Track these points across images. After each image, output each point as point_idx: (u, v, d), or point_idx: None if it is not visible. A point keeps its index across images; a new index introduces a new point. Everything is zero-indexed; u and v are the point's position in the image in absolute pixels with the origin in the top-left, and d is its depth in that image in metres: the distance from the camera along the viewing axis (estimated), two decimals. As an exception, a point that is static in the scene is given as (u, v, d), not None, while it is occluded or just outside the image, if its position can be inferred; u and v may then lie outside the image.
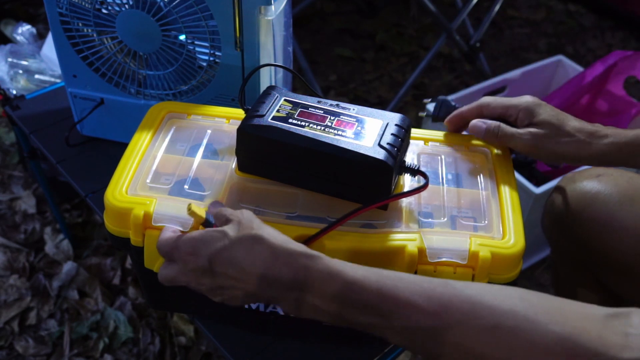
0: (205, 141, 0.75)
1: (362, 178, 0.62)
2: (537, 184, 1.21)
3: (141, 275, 0.68)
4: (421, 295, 0.48)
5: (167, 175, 0.70)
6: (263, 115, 0.65)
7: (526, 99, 0.71)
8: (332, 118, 0.66)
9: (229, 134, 0.74)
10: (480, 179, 0.72)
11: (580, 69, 1.53)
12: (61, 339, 1.18)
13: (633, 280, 0.75)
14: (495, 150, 0.74)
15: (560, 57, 1.59)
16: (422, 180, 0.64)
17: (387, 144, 0.62)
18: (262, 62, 0.83)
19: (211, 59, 0.82)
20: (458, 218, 0.67)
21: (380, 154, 0.61)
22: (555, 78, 1.62)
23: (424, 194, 0.68)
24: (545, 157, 0.72)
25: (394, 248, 0.60)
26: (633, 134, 0.68)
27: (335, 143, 0.62)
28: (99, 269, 1.30)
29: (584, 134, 0.68)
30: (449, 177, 0.73)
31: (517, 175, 1.13)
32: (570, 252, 0.84)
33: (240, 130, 0.65)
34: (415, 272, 0.61)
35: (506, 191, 0.68)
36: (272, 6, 0.77)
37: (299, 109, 0.67)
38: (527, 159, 1.35)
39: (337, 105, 0.68)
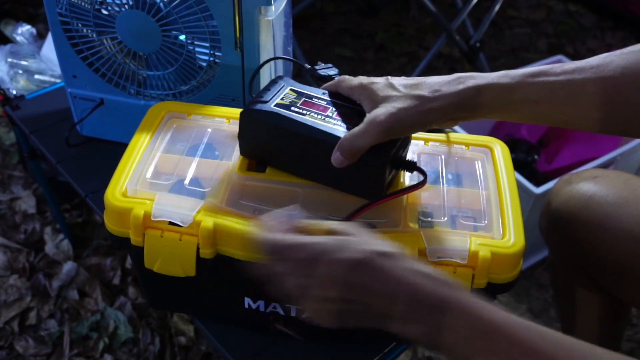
0: (205, 141, 0.75)
1: (355, 168, 0.63)
2: (537, 184, 1.21)
3: (141, 275, 0.68)
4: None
5: (167, 174, 0.70)
6: (267, 102, 0.66)
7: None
8: (334, 109, 0.66)
9: (229, 134, 0.74)
10: (480, 178, 0.72)
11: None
12: (61, 339, 1.18)
13: (629, 282, 0.76)
14: (496, 150, 0.74)
15: (560, 57, 1.59)
16: (421, 177, 0.64)
17: None
18: (262, 62, 0.83)
19: (211, 59, 0.82)
20: (458, 218, 0.67)
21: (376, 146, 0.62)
22: (555, 78, 1.62)
23: (424, 193, 0.68)
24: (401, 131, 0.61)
25: (394, 248, 0.60)
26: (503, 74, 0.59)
27: (332, 132, 0.63)
28: (99, 269, 1.30)
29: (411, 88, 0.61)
30: (449, 177, 0.73)
31: (517, 175, 1.13)
32: (567, 254, 0.84)
33: (242, 114, 0.66)
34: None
35: (506, 191, 0.68)
36: (272, 6, 0.77)
37: (303, 99, 0.67)
38: (527, 158, 1.35)
39: (344, 98, 0.68)
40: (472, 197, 0.68)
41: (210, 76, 0.84)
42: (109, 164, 0.69)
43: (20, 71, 1.30)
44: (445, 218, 0.66)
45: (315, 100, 0.67)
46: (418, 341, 0.48)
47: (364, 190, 0.65)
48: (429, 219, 0.67)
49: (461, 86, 0.58)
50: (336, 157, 0.61)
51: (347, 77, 0.67)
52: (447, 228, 0.66)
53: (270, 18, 0.78)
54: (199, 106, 0.77)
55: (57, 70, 1.30)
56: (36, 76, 1.30)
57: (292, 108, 0.65)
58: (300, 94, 0.68)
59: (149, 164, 0.69)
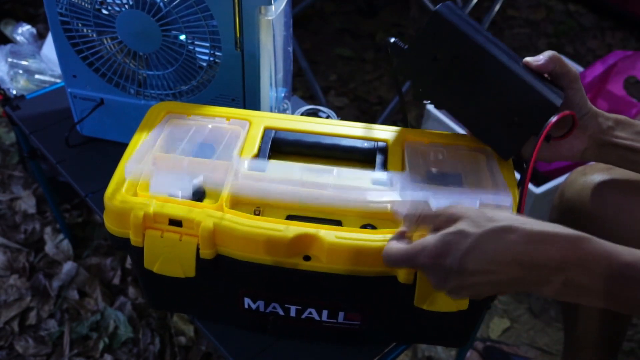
0: (205, 141, 0.75)
1: (525, 112, 0.64)
2: (537, 184, 1.21)
3: (141, 275, 0.68)
4: None
5: (167, 175, 0.71)
6: (458, 13, 0.64)
7: None
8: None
9: (229, 134, 0.74)
10: (481, 179, 0.72)
11: (580, 69, 1.53)
12: (61, 339, 1.18)
13: None
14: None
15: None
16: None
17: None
18: (262, 62, 0.84)
19: (211, 59, 0.82)
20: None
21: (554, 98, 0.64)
22: (555, 78, 1.62)
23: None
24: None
25: (394, 248, 0.60)
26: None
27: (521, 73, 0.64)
28: (99, 269, 1.30)
29: None
30: (449, 177, 0.73)
31: (517, 176, 1.13)
32: None
33: (435, 13, 0.63)
34: (415, 273, 0.61)
35: (506, 191, 0.67)
36: (272, 6, 0.77)
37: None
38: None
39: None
40: (472, 197, 0.68)
41: (210, 76, 0.84)
42: (109, 164, 0.70)
43: (20, 71, 1.30)
44: (445, 218, 0.66)
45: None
46: (556, 297, 0.51)
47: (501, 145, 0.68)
48: (429, 219, 0.67)
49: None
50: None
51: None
52: (447, 228, 0.66)
53: (270, 18, 0.78)
54: (199, 106, 0.77)
55: (57, 70, 1.29)
56: (36, 76, 1.30)
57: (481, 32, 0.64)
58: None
59: (149, 164, 0.69)
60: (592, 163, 0.86)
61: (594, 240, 0.50)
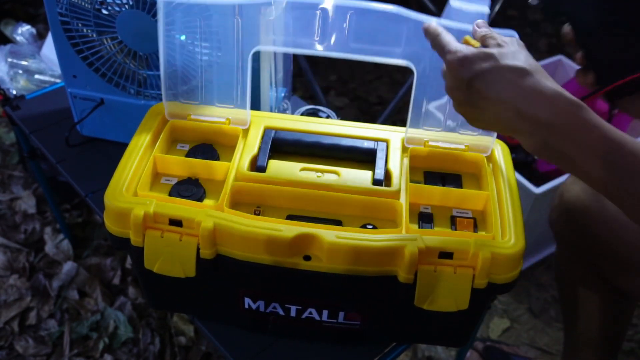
0: (205, 141, 0.75)
1: None
2: (537, 184, 1.21)
3: (141, 275, 0.68)
4: None
5: (167, 175, 0.71)
6: None
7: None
8: None
9: (229, 135, 0.74)
10: (481, 178, 0.72)
11: (580, 69, 1.53)
12: (61, 339, 1.18)
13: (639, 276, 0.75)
14: (496, 150, 0.74)
15: (560, 57, 1.59)
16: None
17: None
18: (262, 62, 0.83)
19: (211, 59, 0.82)
20: (458, 218, 0.67)
21: None
22: (555, 78, 1.60)
23: (424, 193, 0.68)
24: None
25: (394, 248, 0.60)
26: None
27: None
28: (99, 269, 1.30)
29: None
30: (449, 177, 0.73)
31: (517, 175, 1.13)
32: (577, 246, 0.84)
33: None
34: (415, 273, 0.61)
35: (506, 191, 0.68)
36: (272, 6, 0.77)
37: None
38: (527, 158, 1.35)
39: None
40: (472, 197, 0.68)
41: (210, 76, 0.84)
42: (109, 164, 0.70)
43: (20, 71, 1.30)
44: (446, 218, 0.66)
45: None
46: (534, 152, 0.54)
47: None
48: (429, 219, 0.67)
49: None
50: None
51: None
52: (447, 228, 0.66)
53: (270, 18, 0.78)
54: (199, 106, 0.77)
55: (57, 70, 1.29)
56: (36, 76, 1.30)
57: None
58: None
59: (149, 164, 0.69)
60: None
61: (588, 112, 0.51)
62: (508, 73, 0.53)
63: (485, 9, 0.65)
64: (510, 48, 0.55)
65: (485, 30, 0.59)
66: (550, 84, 0.53)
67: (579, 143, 0.50)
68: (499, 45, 0.56)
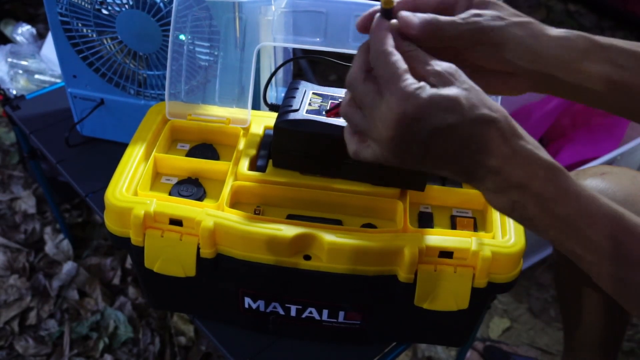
0: (205, 141, 0.75)
1: None
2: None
3: (141, 275, 0.68)
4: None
5: (167, 175, 0.71)
6: (297, 110, 0.65)
7: None
8: None
9: (229, 134, 0.74)
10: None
11: (580, 69, 1.53)
12: (61, 339, 1.18)
13: None
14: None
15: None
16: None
17: None
18: (262, 62, 0.83)
19: (211, 59, 0.82)
20: (458, 217, 0.67)
21: None
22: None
23: (424, 193, 0.68)
24: (493, 49, 0.51)
25: (394, 248, 0.60)
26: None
27: None
28: (99, 269, 1.30)
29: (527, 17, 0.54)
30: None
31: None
32: None
33: (277, 127, 0.65)
34: (416, 272, 0.61)
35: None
36: (272, 6, 0.77)
37: (329, 101, 0.67)
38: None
39: None
40: (472, 197, 0.68)
41: (210, 76, 0.84)
42: (109, 164, 0.70)
43: (20, 71, 1.30)
44: (446, 218, 0.66)
45: (341, 100, 0.67)
46: (503, 213, 0.47)
47: (404, 182, 0.65)
48: (429, 219, 0.67)
49: None
50: None
51: None
52: (447, 228, 0.66)
53: (270, 18, 0.78)
54: (199, 106, 0.77)
55: (57, 70, 1.30)
56: (36, 76, 1.30)
57: (324, 112, 0.65)
58: (324, 97, 0.68)
59: (149, 164, 0.69)
60: (584, 168, 0.86)
61: (569, 177, 0.45)
62: (477, 127, 0.42)
63: None
64: (473, 92, 0.43)
65: (419, 56, 0.45)
66: (525, 142, 0.44)
67: (554, 213, 0.44)
68: (449, 83, 0.43)
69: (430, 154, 0.44)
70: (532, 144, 0.44)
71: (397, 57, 0.44)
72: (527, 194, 0.44)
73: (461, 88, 0.43)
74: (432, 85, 0.43)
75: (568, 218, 0.45)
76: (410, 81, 0.43)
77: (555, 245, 0.48)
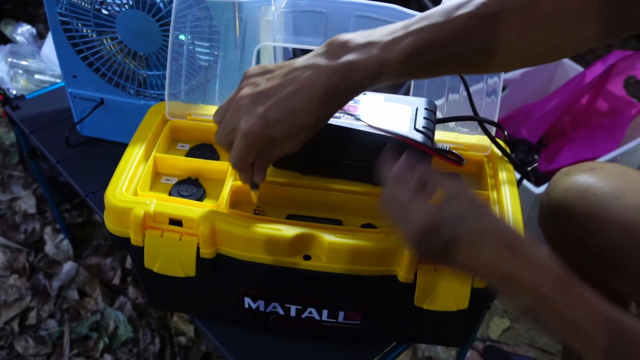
0: (205, 141, 0.75)
1: None
2: (537, 184, 1.21)
3: (141, 275, 0.68)
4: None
5: (167, 175, 0.71)
6: None
7: None
8: (363, 108, 0.66)
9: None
10: (481, 178, 0.72)
11: (580, 69, 1.53)
12: (61, 339, 1.18)
13: (625, 273, 0.75)
14: (496, 150, 0.74)
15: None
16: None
17: (422, 127, 0.64)
18: (262, 63, 0.83)
19: (211, 59, 0.82)
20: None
21: (418, 137, 0.62)
22: (555, 78, 1.62)
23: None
24: None
25: (394, 248, 0.60)
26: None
27: (374, 131, 0.63)
28: (99, 269, 1.30)
29: None
30: (449, 177, 0.73)
31: (518, 175, 1.13)
32: (564, 247, 0.84)
33: None
34: (415, 272, 0.61)
35: (506, 191, 0.68)
36: (272, 6, 0.77)
37: None
38: (527, 158, 1.34)
39: (364, 94, 0.68)
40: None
41: (210, 76, 0.84)
42: (109, 164, 0.70)
43: (20, 71, 1.30)
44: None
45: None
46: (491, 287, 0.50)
47: None
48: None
49: None
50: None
51: None
52: (447, 228, 0.66)
53: (270, 18, 0.78)
54: (199, 106, 0.77)
55: (57, 70, 1.29)
56: (36, 76, 1.30)
57: None
58: None
59: (149, 164, 0.69)
60: (574, 164, 0.86)
61: (581, 285, 0.48)
62: (490, 236, 0.48)
63: None
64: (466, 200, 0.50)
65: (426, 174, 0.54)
66: (538, 248, 0.49)
67: (567, 320, 0.47)
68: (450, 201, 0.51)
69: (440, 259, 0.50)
70: (544, 249, 0.49)
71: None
72: (539, 300, 0.47)
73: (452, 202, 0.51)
74: None
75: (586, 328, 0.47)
76: None
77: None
